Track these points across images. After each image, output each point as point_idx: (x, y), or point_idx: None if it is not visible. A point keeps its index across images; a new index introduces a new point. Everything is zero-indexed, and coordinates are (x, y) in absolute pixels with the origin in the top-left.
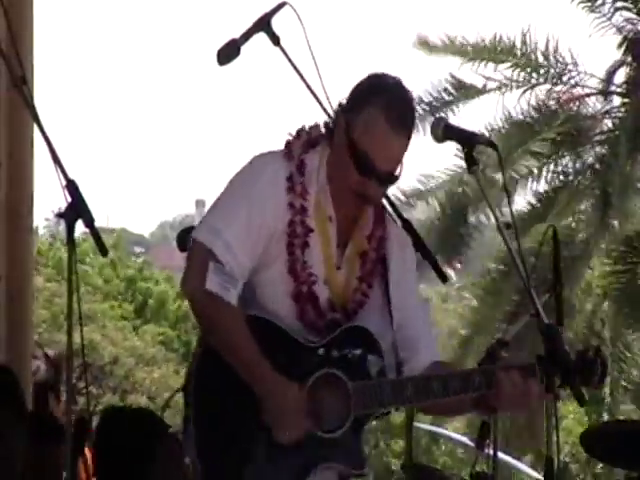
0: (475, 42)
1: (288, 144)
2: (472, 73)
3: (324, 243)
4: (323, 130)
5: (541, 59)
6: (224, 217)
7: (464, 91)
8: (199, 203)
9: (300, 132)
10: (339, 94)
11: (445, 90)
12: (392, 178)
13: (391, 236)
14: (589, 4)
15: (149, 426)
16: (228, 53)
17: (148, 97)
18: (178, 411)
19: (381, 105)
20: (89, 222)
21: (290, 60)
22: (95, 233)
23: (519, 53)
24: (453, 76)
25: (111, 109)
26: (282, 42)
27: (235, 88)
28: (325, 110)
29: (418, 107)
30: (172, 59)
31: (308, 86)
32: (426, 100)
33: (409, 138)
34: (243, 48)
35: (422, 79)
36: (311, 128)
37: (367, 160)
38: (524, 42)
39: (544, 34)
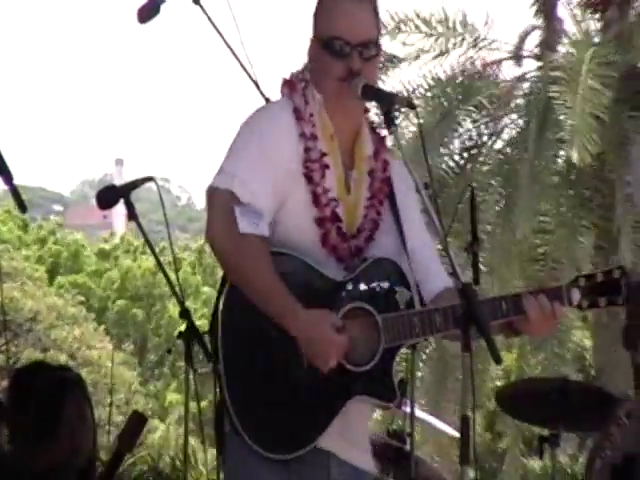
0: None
1: (287, 83)
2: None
3: (335, 165)
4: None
5: (459, 27)
6: (238, 160)
7: (389, 62)
8: (118, 162)
9: (293, 75)
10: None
11: None
12: (371, 45)
13: (393, 162)
14: None
15: (63, 377)
16: (148, 11)
17: (72, 58)
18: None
19: None
20: (8, 179)
21: (210, 19)
22: (14, 190)
23: (434, 21)
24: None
25: (33, 68)
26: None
27: (155, 48)
28: (243, 66)
29: None
30: (93, 18)
31: (226, 43)
32: None
33: (372, 5)
34: (163, 7)
35: None
36: (299, 72)
37: (339, 40)
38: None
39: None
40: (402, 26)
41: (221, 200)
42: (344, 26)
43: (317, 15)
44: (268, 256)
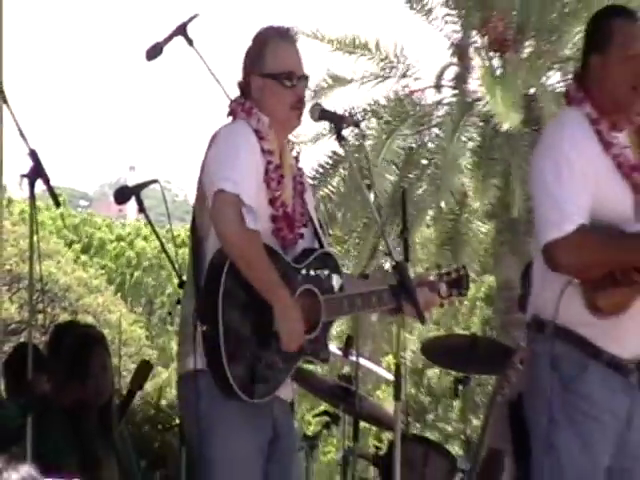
0: (341, 36)
1: (243, 108)
2: (342, 66)
3: (286, 174)
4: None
5: (392, 57)
6: (234, 168)
7: (336, 81)
8: (131, 168)
9: (237, 102)
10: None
11: (324, 80)
12: (306, 76)
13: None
14: (426, 17)
15: (89, 334)
16: (153, 52)
17: (97, 79)
18: None
19: (271, 34)
20: (46, 181)
21: (201, 57)
22: (50, 189)
23: (374, 49)
24: (328, 69)
25: (64, 88)
26: (196, 44)
27: (163, 79)
28: (227, 95)
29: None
30: (116, 48)
31: (214, 76)
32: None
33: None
34: (166, 48)
35: None
36: (239, 99)
37: (289, 73)
38: (377, 43)
39: (393, 35)
40: (354, 51)
41: (230, 201)
42: (291, 62)
43: (261, 56)
44: (263, 247)
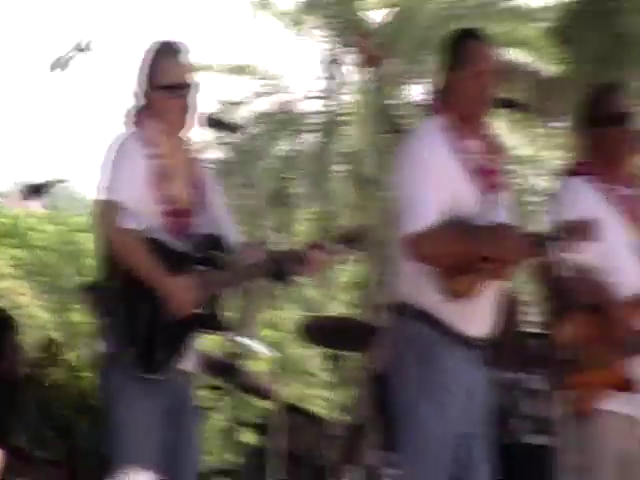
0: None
1: (136, 117)
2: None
3: (176, 172)
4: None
5: (273, 75)
6: (114, 178)
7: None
8: (40, 167)
9: (132, 110)
10: None
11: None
12: (194, 84)
13: (199, 161)
14: (303, 36)
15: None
16: (58, 64)
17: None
18: None
19: (162, 48)
20: None
21: (101, 68)
22: None
23: (258, 71)
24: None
25: None
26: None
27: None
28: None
29: None
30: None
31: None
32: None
33: (186, 56)
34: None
35: None
36: (134, 108)
37: (178, 84)
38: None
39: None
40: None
41: (108, 208)
42: (179, 74)
43: (153, 69)
44: (144, 244)
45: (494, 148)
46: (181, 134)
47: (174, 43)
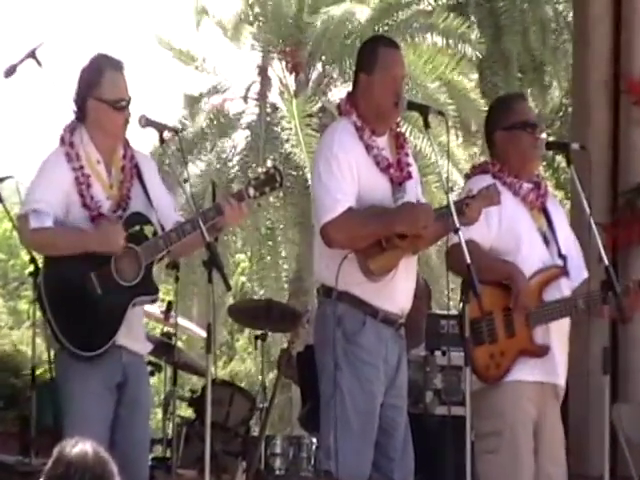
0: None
1: (62, 136)
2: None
3: (98, 178)
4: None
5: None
6: (33, 192)
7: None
8: None
9: (69, 126)
10: None
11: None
12: (130, 98)
13: (139, 157)
14: (237, 45)
15: None
16: (10, 71)
17: None
18: None
19: (106, 63)
20: None
21: (48, 75)
22: None
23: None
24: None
25: None
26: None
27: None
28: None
29: None
30: None
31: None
32: None
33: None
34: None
35: None
36: (71, 123)
37: (121, 99)
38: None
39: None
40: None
41: (22, 221)
42: (122, 90)
43: (97, 82)
44: (57, 229)
45: (401, 144)
46: (119, 142)
47: (120, 60)
